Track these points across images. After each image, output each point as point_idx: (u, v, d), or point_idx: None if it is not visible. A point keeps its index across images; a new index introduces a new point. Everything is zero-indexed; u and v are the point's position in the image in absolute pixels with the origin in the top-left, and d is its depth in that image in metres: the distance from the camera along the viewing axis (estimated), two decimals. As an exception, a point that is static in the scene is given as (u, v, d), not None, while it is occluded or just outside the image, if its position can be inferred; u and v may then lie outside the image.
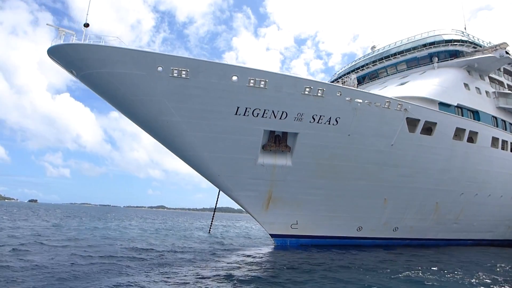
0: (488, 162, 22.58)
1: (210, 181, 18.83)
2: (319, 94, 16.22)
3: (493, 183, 23.36)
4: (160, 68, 14.28)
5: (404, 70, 26.57)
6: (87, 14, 14.95)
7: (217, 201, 25.47)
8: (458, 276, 11.50)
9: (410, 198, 20.95)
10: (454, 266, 14.06)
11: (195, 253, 15.55)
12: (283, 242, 19.89)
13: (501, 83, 27.51)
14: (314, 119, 16.79)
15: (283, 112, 16.24)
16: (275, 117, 16.29)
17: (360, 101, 17.11)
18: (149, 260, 12.68)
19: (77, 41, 14.42)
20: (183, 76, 14.51)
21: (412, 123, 18.95)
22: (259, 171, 17.61)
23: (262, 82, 15.29)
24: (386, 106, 17.70)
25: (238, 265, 12.69)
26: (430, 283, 10.21)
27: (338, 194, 19.33)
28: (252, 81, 15.17)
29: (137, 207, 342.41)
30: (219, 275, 10.48)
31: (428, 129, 19.67)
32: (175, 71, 14.38)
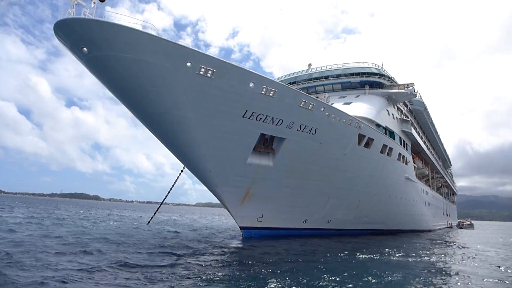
0: (394, 171, 29.72)
1: (196, 176, 19.26)
2: (309, 108, 18.94)
3: (394, 186, 30.79)
4: (189, 64, 14.38)
5: (339, 91, 31.99)
6: None
7: (168, 194, 25.49)
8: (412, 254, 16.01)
9: (344, 197, 25.87)
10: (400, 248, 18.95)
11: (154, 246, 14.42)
12: (249, 234, 21.85)
13: (401, 111, 36.13)
14: (300, 128, 19.43)
15: (280, 119, 18.30)
16: (272, 123, 18.21)
17: (334, 116, 20.64)
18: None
19: (89, 15, 13.20)
20: (208, 75, 14.97)
21: (359, 137, 23.68)
22: (247, 169, 19.16)
23: (272, 91, 17.01)
24: (348, 123, 21.80)
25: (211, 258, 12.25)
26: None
27: (299, 192, 22.50)
28: (264, 89, 16.72)
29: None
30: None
31: (367, 143, 24.85)
32: (202, 69, 14.72)
